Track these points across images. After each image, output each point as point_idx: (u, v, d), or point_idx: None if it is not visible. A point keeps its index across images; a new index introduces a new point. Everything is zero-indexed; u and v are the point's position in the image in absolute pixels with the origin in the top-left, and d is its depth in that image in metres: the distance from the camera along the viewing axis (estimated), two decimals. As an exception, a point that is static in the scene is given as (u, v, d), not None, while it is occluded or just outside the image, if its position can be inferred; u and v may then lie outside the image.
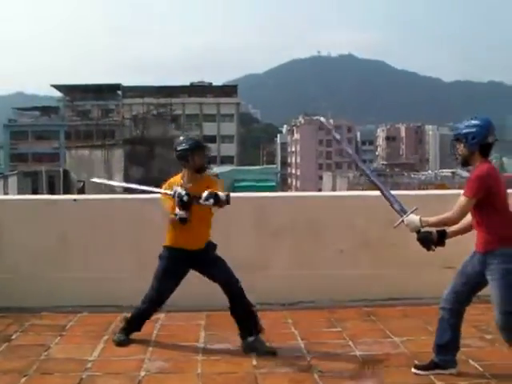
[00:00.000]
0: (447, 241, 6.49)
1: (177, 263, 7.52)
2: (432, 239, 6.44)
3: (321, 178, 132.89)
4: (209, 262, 7.59)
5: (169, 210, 7.35)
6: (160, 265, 7.54)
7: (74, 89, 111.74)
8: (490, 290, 6.22)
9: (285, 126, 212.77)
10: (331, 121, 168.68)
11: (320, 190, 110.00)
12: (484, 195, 6.07)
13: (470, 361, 6.87)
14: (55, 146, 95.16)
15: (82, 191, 49.71)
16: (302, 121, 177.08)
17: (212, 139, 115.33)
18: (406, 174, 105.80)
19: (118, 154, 56.01)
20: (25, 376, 6.62)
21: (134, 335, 7.72)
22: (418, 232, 6.45)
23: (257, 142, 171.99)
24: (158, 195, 7.88)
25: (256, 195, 10.98)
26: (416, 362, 6.73)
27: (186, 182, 7.38)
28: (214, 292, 8.99)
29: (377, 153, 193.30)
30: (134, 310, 7.71)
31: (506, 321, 6.11)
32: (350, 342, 7.64)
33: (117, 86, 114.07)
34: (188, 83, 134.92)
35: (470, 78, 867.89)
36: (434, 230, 6.47)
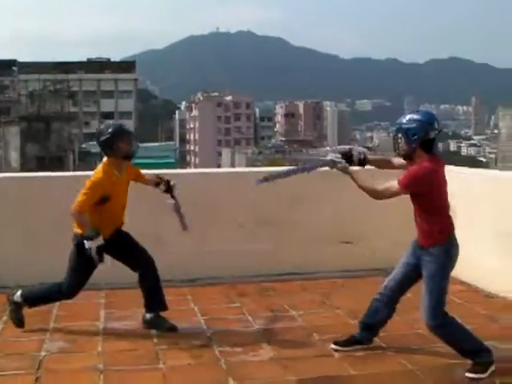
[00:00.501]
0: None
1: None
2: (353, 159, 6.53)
3: (220, 154, 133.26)
4: (124, 242, 7.62)
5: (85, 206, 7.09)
6: (78, 257, 7.27)
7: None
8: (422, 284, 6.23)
9: (183, 102, 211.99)
10: (230, 97, 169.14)
11: (219, 166, 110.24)
12: (421, 192, 6.02)
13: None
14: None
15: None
16: (201, 97, 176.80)
17: (110, 116, 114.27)
18: (304, 150, 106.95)
19: (14, 131, 54.88)
20: None
21: (34, 316, 7.66)
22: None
23: (155, 118, 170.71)
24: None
25: (156, 172, 10.99)
26: (336, 339, 6.79)
27: (118, 173, 7.20)
28: (113, 270, 9.04)
29: (276, 129, 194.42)
30: (39, 291, 7.58)
31: (435, 306, 6.09)
32: (250, 317, 7.79)
33: (12, 62, 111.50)
34: (86, 59, 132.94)
35: (368, 55, 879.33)
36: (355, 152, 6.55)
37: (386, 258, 8.39)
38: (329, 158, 6.45)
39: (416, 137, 5.98)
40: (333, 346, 6.72)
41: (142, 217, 9.34)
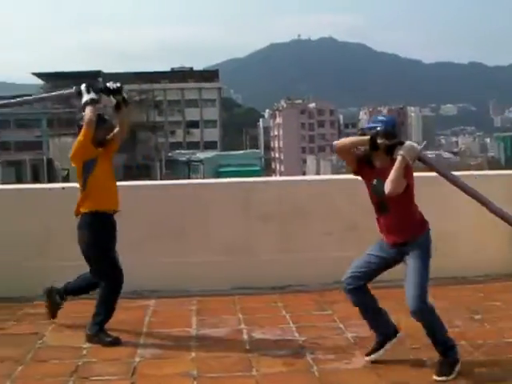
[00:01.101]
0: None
1: (108, 228, 7.44)
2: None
3: (304, 161, 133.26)
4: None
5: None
6: (90, 235, 7.34)
7: (55, 76, 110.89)
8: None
9: (267, 110, 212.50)
10: (313, 104, 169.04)
11: (304, 173, 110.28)
12: (407, 188, 6.15)
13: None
14: (37, 135, 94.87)
15: (66, 179, 49.59)
16: (285, 105, 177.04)
17: (195, 124, 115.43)
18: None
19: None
20: (21, 364, 6.67)
21: (127, 322, 7.80)
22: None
23: (239, 126, 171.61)
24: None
25: (242, 180, 11.09)
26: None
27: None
28: (205, 277, 9.14)
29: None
30: (101, 302, 7.48)
31: (419, 291, 6.14)
32: (341, 325, 7.74)
33: (97, 73, 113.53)
34: (169, 69, 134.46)
35: (450, 59, 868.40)
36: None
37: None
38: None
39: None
40: (366, 358, 6.64)
41: (232, 227, 9.44)
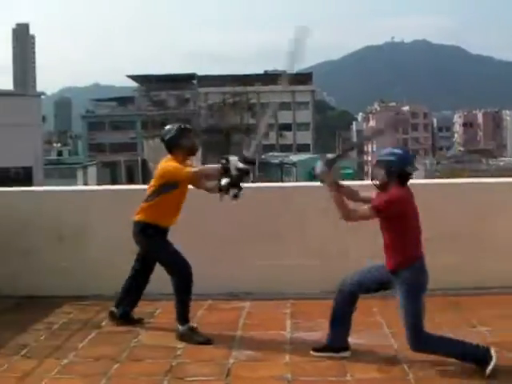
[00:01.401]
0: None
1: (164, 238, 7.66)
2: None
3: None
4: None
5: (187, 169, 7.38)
6: (162, 247, 7.63)
7: (149, 79, 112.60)
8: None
9: (360, 113, 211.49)
10: (407, 107, 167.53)
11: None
12: (391, 218, 6.29)
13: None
14: (132, 136, 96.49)
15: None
16: (378, 108, 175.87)
17: (288, 127, 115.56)
18: (484, 160, 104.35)
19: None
20: (117, 362, 6.77)
21: (221, 324, 7.84)
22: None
23: (332, 129, 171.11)
24: None
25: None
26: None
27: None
28: (299, 280, 9.11)
29: (454, 139, 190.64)
30: (178, 304, 7.59)
31: (411, 332, 6.40)
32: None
33: (192, 76, 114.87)
34: (262, 72, 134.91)
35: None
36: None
37: None
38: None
39: (393, 169, 6.30)
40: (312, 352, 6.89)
41: (327, 230, 9.37)
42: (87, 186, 45.88)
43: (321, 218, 9.45)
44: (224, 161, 7.15)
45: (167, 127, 7.75)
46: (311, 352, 6.84)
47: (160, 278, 7.78)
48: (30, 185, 34.23)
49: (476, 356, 6.26)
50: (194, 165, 7.74)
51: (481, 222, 9.43)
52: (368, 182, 7.38)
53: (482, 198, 9.49)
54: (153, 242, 7.61)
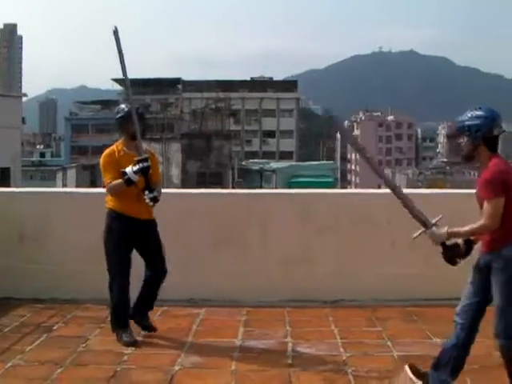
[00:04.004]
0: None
1: (129, 233, 7.46)
2: (459, 253, 5.80)
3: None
4: (156, 241, 7.64)
5: (110, 178, 7.35)
6: (112, 238, 7.49)
7: (135, 82, 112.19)
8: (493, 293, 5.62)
9: (345, 121, 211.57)
10: (392, 117, 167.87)
11: (379, 186, 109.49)
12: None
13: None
14: (115, 139, 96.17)
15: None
16: (363, 117, 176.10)
17: (271, 134, 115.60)
18: (465, 171, 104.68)
19: (176, 148, 56.40)
20: (61, 367, 6.68)
21: (174, 330, 7.77)
22: (445, 246, 5.81)
23: (317, 137, 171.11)
24: None
25: (300, 191, 10.96)
26: None
27: (128, 150, 7.48)
28: (258, 288, 9.05)
29: (437, 150, 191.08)
30: (112, 306, 7.59)
31: (506, 329, 5.53)
32: (389, 343, 7.53)
33: (177, 80, 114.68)
34: (249, 78, 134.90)
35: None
36: (460, 241, 5.80)
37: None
38: (431, 234, 5.83)
39: (479, 133, 5.59)
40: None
41: (289, 238, 9.33)
42: (66, 188, 45.71)
43: (283, 225, 9.40)
44: (124, 176, 7.19)
45: (121, 106, 7.79)
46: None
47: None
48: (8, 186, 33.96)
49: None
50: (148, 149, 7.69)
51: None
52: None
53: (452, 207, 9.41)
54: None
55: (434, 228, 5.80)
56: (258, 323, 8.27)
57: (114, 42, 7.22)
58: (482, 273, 5.69)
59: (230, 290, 9.13)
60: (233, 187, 45.95)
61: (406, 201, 6.11)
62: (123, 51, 7.32)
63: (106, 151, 7.59)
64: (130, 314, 7.59)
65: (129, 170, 7.16)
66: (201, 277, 9.22)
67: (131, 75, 7.74)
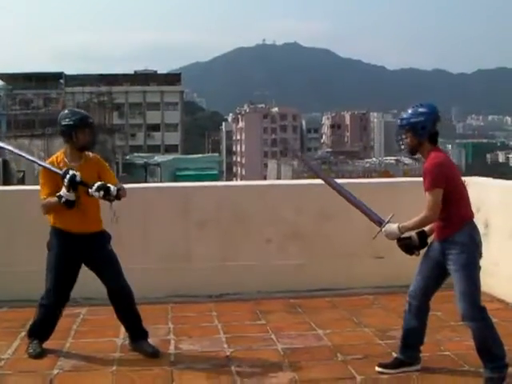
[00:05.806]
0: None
1: (70, 249, 6.92)
2: (414, 244, 6.14)
3: (266, 165, 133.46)
4: (103, 255, 7.12)
5: (46, 194, 6.76)
6: (51, 254, 6.95)
7: (17, 77, 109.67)
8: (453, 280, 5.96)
9: (230, 114, 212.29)
10: (276, 109, 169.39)
11: (265, 177, 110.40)
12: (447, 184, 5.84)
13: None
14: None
15: (22, 181, 48.85)
16: (247, 109, 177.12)
17: (156, 128, 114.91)
18: (350, 161, 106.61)
19: (59, 143, 55.35)
20: None
21: (53, 333, 7.49)
22: (399, 239, 6.13)
23: (202, 130, 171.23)
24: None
25: (180, 185, 10.85)
26: (382, 362, 6.43)
27: (70, 161, 6.83)
28: (141, 284, 8.85)
29: (322, 140, 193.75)
30: (36, 316, 7.13)
31: (470, 310, 5.84)
32: (273, 336, 7.50)
33: (59, 75, 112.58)
34: (133, 72, 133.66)
35: (415, 66, 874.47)
36: (413, 233, 6.13)
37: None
38: (386, 232, 6.12)
39: (425, 130, 5.94)
40: (378, 368, 6.33)
41: (170, 233, 9.20)
42: None
43: (163, 220, 9.26)
44: (61, 200, 6.54)
45: (67, 111, 7.06)
46: (377, 369, 6.34)
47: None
48: None
49: (498, 362, 5.88)
50: (93, 155, 7.06)
51: (325, 223, 9.42)
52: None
53: (329, 199, 9.44)
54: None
55: (387, 226, 6.10)
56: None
57: None
58: (435, 259, 6.08)
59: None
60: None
61: (359, 204, 6.54)
62: None
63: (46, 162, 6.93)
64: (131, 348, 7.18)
65: (62, 191, 6.53)
66: (82, 276, 8.96)
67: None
